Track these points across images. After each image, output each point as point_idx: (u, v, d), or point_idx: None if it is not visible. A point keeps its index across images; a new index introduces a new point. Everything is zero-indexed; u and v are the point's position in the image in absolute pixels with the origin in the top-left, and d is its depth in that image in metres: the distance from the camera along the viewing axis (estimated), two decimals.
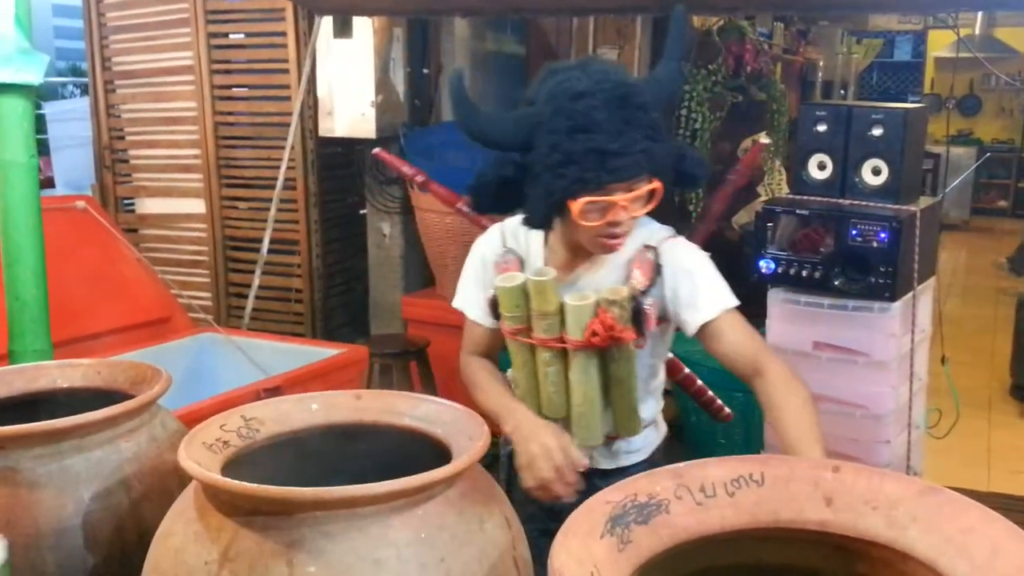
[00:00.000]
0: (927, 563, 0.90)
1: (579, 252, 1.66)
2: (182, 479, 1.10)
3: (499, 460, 1.81)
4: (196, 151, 4.65)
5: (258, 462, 1.19)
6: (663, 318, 1.66)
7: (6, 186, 2.11)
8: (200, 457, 1.07)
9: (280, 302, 4.57)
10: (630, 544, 0.90)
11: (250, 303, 4.00)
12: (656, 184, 1.54)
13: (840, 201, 2.82)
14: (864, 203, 2.78)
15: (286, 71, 4.34)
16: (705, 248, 1.70)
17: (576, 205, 1.50)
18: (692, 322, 1.60)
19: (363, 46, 4.07)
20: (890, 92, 11.95)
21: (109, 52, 4.81)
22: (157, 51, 4.67)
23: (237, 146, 4.60)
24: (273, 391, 2.28)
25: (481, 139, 1.57)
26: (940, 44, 11.07)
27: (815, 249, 2.79)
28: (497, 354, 1.83)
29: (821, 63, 8.10)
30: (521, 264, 1.70)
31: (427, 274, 4.39)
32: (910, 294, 2.74)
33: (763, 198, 4.50)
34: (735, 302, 1.62)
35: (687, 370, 2.80)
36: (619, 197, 1.50)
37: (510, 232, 1.74)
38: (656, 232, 1.68)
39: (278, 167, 3.97)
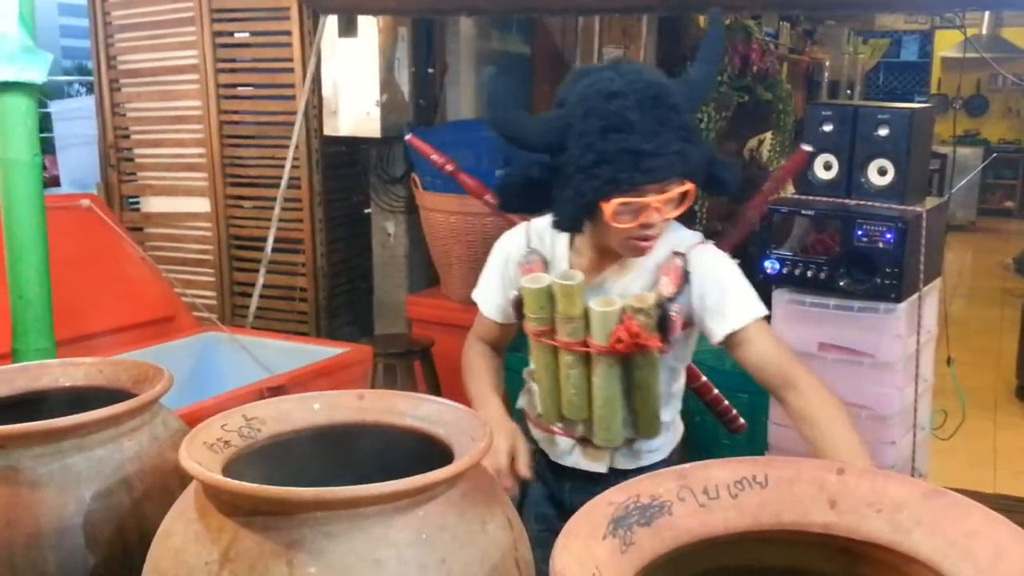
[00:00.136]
0: (931, 566, 0.89)
1: (606, 255, 1.64)
2: (183, 479, 1.10)
3: None
4: (201, 150, 4.65)
5: (259, 462, 1.18)
6: (688, 323, 1.64)
7: (10, 184, 2.10)
8: (201, 457, 1.07)
9: (284, 301, 4.57)
10: (632, 546, 0.90)
11: (254, 302, 4.00)
12: (689, 186, 1.52)
13: (846, 201, 2.82)
14: (870, 203, 2.77)
15: (291, 70, 4.34)
16: (734, 255, 1.68)
17: (609, 206, 1.48)
18: (719, 331, 1.58)
19: (368, 45, 4.07)
20: (896, 92, 11.94)
21: (114, 51, 4.81)
22: (162, 50, 4.67)
23: (242, 145, 4.59)
24: (277, 390, 2.27)
25: (512, 140, 1.56)
26: (947, 44, 11.05)
27: (821, 250, 2.78)
28: (503, 347, 1.84)
29: (827, 63, 8.10)
30: (545, 265, 1.68)
31: (431, 273, 4.37)
32: (916, 295, 2.73)
33: None
34: (764, 311, 1.60)
35: (704, 378, 2.75)
36: (652, 199, 1.48)
37: (536, 232, 1.73)
38: (686, 238, 1.65)
39: (283, 166, 3.97)
